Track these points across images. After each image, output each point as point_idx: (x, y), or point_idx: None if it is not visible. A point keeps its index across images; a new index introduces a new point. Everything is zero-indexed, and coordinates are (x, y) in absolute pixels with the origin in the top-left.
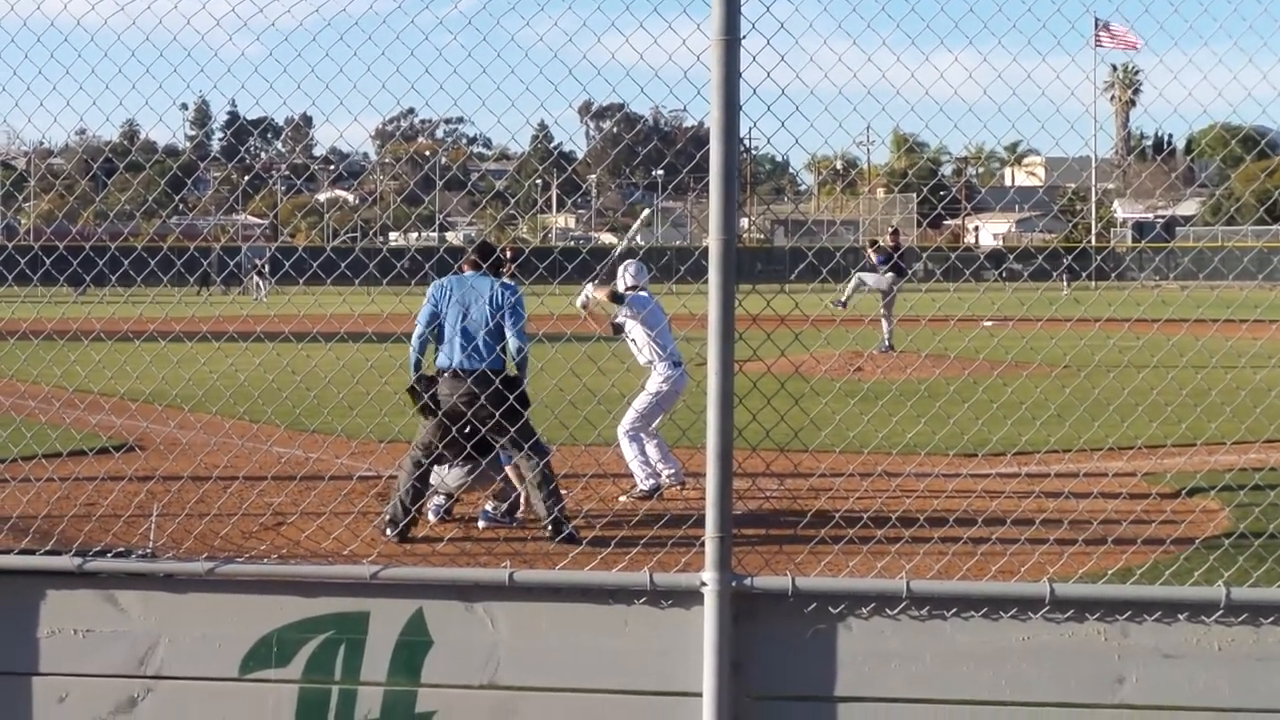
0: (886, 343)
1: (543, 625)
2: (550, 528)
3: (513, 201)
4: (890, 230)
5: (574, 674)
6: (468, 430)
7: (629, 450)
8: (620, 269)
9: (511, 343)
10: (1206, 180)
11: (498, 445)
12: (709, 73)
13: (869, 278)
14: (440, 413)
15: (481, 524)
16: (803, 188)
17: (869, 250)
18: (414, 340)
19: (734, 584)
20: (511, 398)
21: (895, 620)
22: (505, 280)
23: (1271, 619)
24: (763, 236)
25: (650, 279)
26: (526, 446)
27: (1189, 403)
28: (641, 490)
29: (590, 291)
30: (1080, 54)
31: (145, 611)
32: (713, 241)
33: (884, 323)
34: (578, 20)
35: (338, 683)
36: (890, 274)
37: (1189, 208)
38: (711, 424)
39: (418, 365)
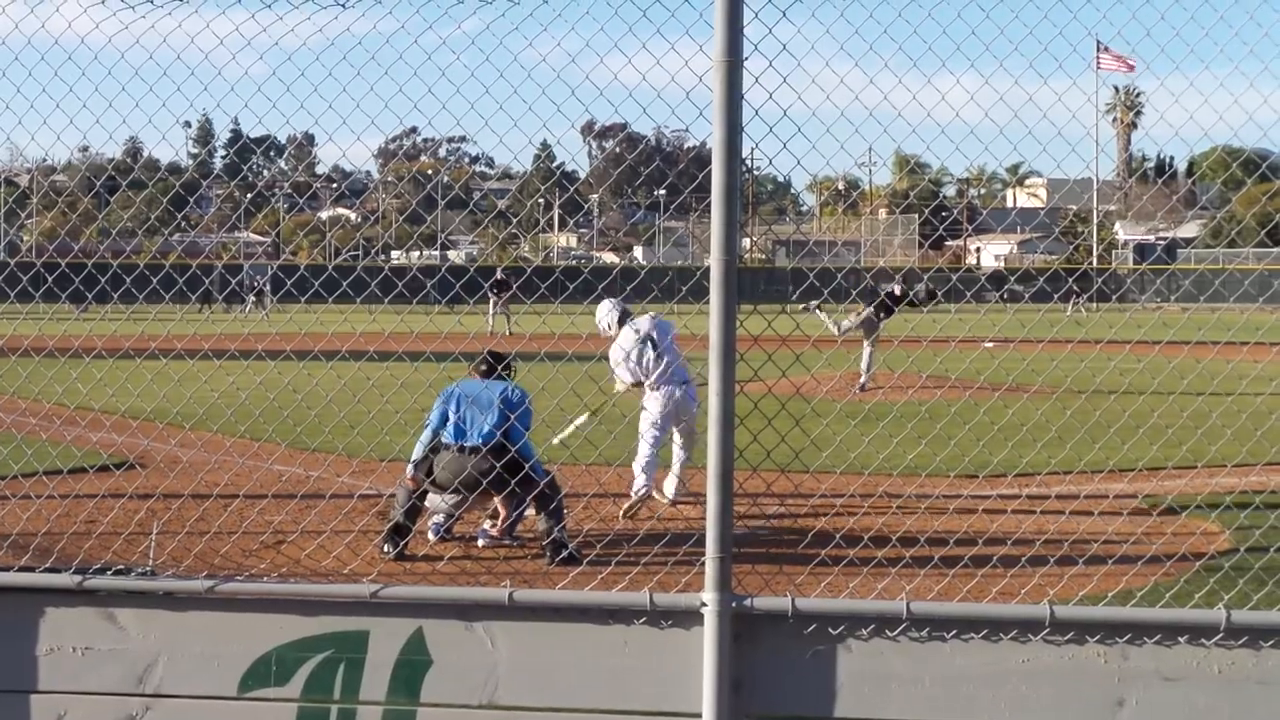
0: (862, 383)
1: (542, 645)
2: (549, 550)
3: (514, 221)
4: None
5: (573, 694)
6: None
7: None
8: (600, 317)
9: (513, 432)
10: (1208, 203)
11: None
12: (711, 94)
13: (849, 320)
14: (451, 482)
15: (481, 542)
16: (805, 208)
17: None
18: (424, 435)
19: (734, 604)
20: (527, 466)
21: (895, 641)
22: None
23: (1272, 642)
24: (764, 257)
25: (651, 299)
26: (550, 507)
27: (1190, 425)
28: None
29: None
30: (1082, 76)
31: (144, 629)
32: (714, 262)
33: (865, 360)
34: (581, 41)
35: (337, 702)
36: (877, 313)
37: (1190, 230)
38: (712, 444)
39: (418, 464)
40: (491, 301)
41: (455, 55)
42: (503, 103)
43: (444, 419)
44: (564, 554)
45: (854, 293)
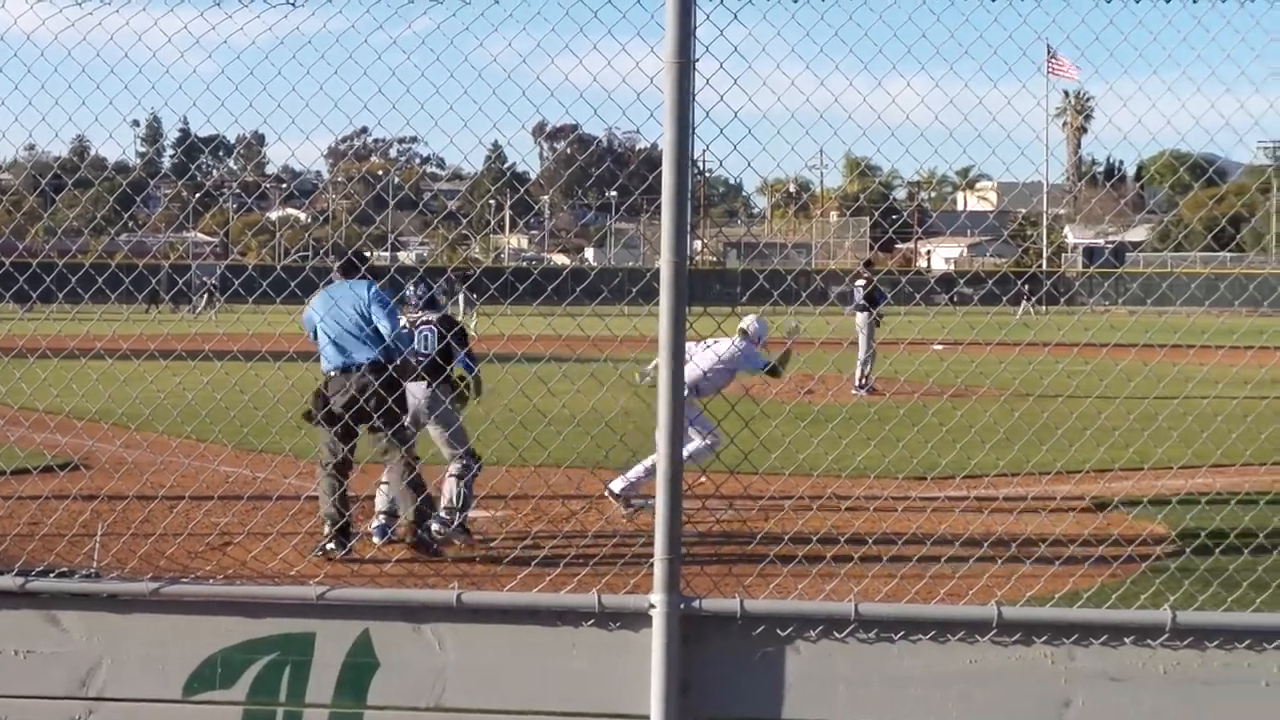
0: (859, 382)
1: (490, 647)
2: (416, 535)
3: (464, 221)
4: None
5: (521, 696)
6: (360, 421)
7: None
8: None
9: (384, 327)
10: (1155, 207)
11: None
12: (662, 95)
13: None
14: (334, 411)
15: (435, 526)
16: (756, 210)
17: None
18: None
19: (682, 606)
20: (391, 398)
21: (843, 643)
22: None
23: (1216, 643)
24: (715, 259)
25: (601, 300)
26: (404, 449)
27: (1136, 427)
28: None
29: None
30: (1033, 80)
31: (88, 632)
32: (664, 264)
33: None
34: (532, 41)
35: (282, 705)
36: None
37: (1138, 234)
38: (662, 446)
39: (314, 407)
40: (462, 299)
41: (406, 55)
42: (453, 103)
43: (311, 327)
44: (421, 539)
45: (804, 294)
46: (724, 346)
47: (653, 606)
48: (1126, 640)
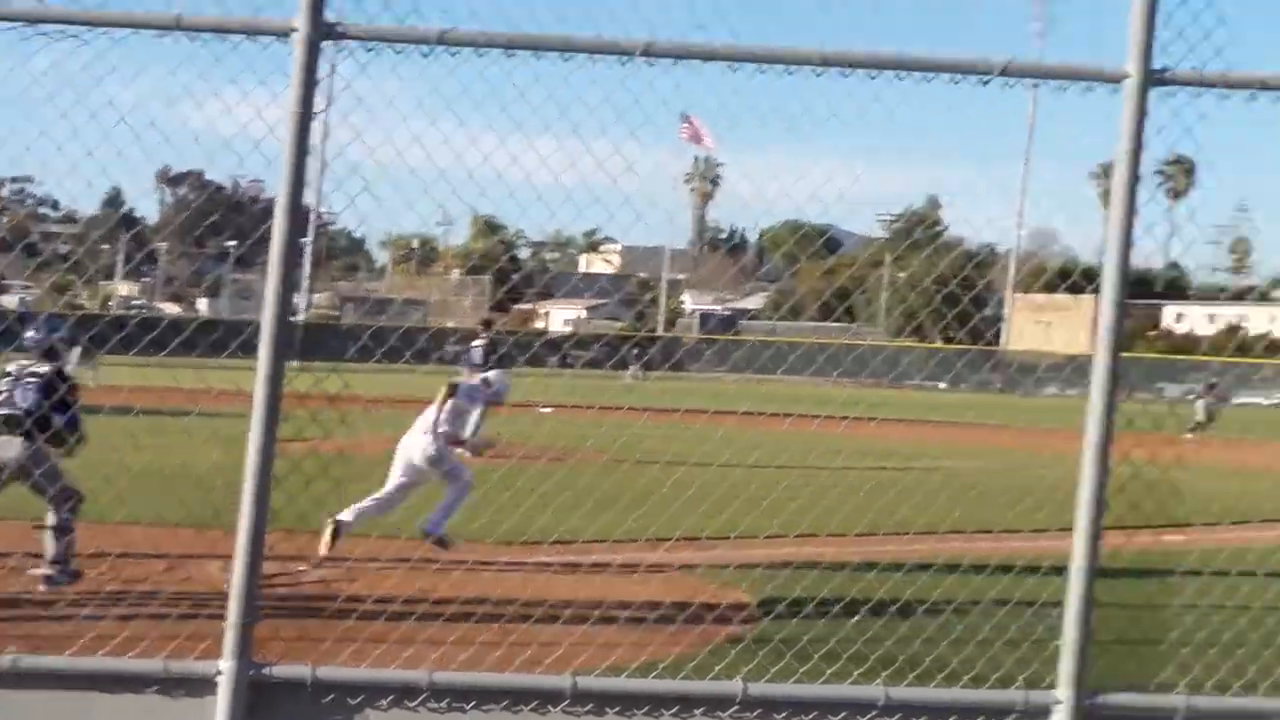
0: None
1: (44, 715)
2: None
3: (67, 265)
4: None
5: None
6: None
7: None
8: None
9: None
10: (769, 275)
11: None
12: (282, 145)
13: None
14: None
15: (42, 588)
16: (378, 265)
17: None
18: None
19: (251, 673)
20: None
21: (414, 712)
22: None
23: (784, 714)
24: (330, 312)
25: (201, 353)
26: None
27: (730, 495)
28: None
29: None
30: (662, 145)
31: None
32: (265, 317)
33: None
34: (154, 83)
35: None
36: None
37: (756, 301)
38: (246, 503)
39: None
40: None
41: (20, 89)
42: (61, 144)
43: None
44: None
45: (407, 353)
46: (475, 388)
47: (219, 673)
48: (697, 712)
